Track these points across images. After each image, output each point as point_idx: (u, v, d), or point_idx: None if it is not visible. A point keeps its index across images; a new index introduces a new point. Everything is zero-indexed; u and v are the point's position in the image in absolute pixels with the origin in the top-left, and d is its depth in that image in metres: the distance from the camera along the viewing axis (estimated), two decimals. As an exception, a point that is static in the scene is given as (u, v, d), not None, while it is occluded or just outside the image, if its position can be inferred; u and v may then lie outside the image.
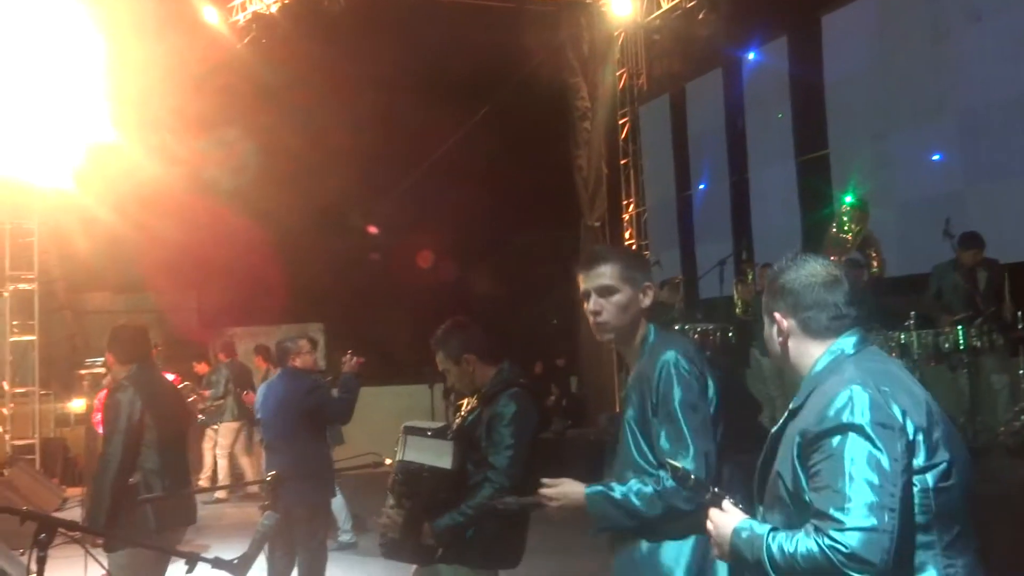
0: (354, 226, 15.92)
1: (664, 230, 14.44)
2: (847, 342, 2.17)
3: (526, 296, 15.52)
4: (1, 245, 12.52)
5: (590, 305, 2.83)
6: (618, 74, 14.84)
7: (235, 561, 2.58)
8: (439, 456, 3.70)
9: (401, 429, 3.89)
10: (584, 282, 2.85)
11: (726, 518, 2.16)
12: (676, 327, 9.02)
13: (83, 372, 12.29)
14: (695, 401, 2.67)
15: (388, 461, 3.88)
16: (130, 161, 11.56)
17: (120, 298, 15.34)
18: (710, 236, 13.15)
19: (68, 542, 2.88)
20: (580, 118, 14.23)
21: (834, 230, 8.72)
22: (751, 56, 12.83)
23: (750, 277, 10.13)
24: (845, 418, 1.97)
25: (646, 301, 2.85)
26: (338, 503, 8.48)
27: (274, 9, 12.38)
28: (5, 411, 12.56)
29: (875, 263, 8.68)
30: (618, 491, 2.69)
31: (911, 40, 10.18)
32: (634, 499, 2.66)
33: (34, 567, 2.50)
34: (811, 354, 2.20)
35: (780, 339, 2.25)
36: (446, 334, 3.94)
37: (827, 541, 1.90)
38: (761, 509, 2.22)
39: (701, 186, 13.79)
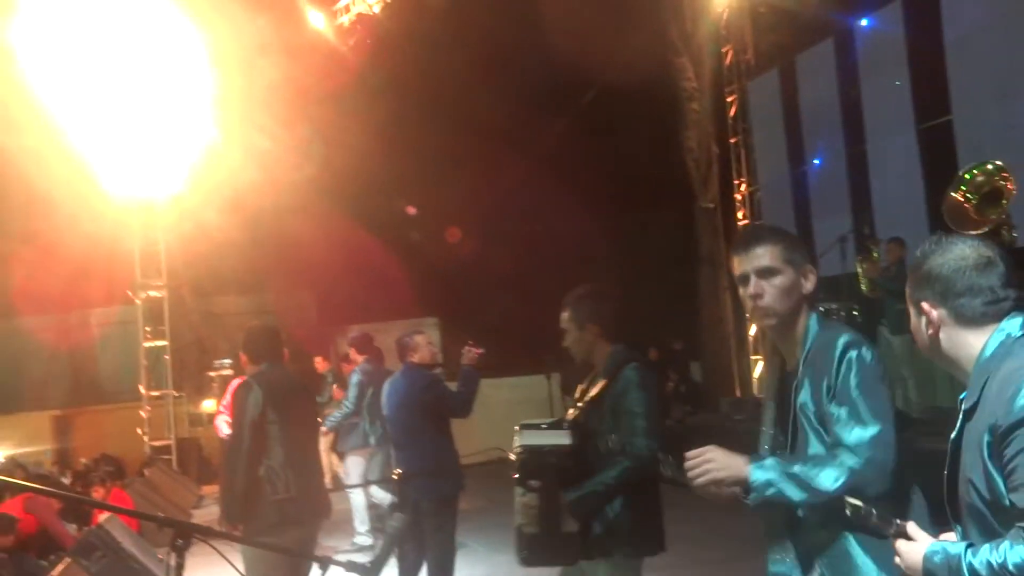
0: (465, 218, 16.04)
1: (778, 208, 14.05)
2: (1012, 324, 1.96)
3: (640, 280, 15.35)
4: (132, 257, 13.10)
5: (750, 288, 2.60)
6: (724, 51, 14.51)
7: (368, 564, 2.58)
8: (558, 437, 3.65)
9: (517, 428, 3.83)
10: (741, 264, 2.63)
11: (914, 546, 1.98)
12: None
13: (212, 374, 12.78)
14: (877, 386, 2.49)
15: (512, 456, 3.85)
16: (245, 168, 11.93)
17: (243, 300, 15.86)
18: (827, 212, 12.72)
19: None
20: (687, 99, 13.99)
21: (953, 194, 7.62)
22: (864, 23, 12.34)
23: (875, 253, 9.73)
24: None
25: (808, 286, 2.63)
26: (358, 503, 8.54)
27: (377, 9, 12.57)
28: (143, 414, 13.14)
29: (1006, 232, 8.08)
30: (797, 466, 2.45)
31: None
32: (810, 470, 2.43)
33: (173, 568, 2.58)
34: (969, 344, 2.00)
35: (930, 331, 2.04)
36: (581, 297, 3.87)
37: None
38: (960, 528, 2.02)
39: (816, 161, 13.35)
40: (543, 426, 3.79)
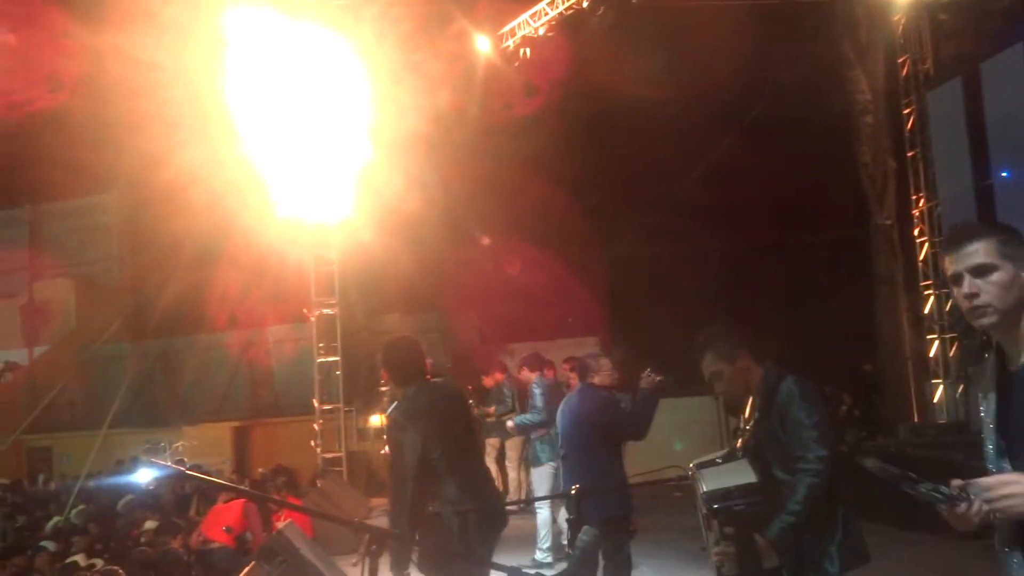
0: (626, 237, 15.95)
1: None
2: None
3: (813, 301, 14.81)
4: (307, 276, 13.69)
5: (964, 288, 2.45)
6: (900, 61, 13.89)
7: None
8: (739, 474, 3.58)
9: (691, 468, 3.77)
10: (953, 264, 2.49)
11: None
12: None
13: (382, 389, 13.17)
14: None
15: (691, 465, 3.78)
16: (411, 191, 12.28)
17: (409, 319, 16.29)
18: (1017, 227, 11.91)
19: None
20: (861, 112, 13.45)
21: None
22: (1058, 25, 11.56)
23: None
24: None
25: None
26: (543, 518, 8.49)
27: (542, 31, 12.73)
28: (315, 427, 13.67)
29: None
30: None
31: None
32: None
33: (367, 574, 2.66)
34: None
35: None
36: (712, 335, 3.78)
37: None
38: None
39: (1004, 174, 12.54)
40: (718, 460, 3.72)
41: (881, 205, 13.48)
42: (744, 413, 3.83)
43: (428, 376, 4.92)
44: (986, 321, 2.45)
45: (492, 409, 11.37)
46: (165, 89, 10.96)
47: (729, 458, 3.70)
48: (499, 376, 11.55)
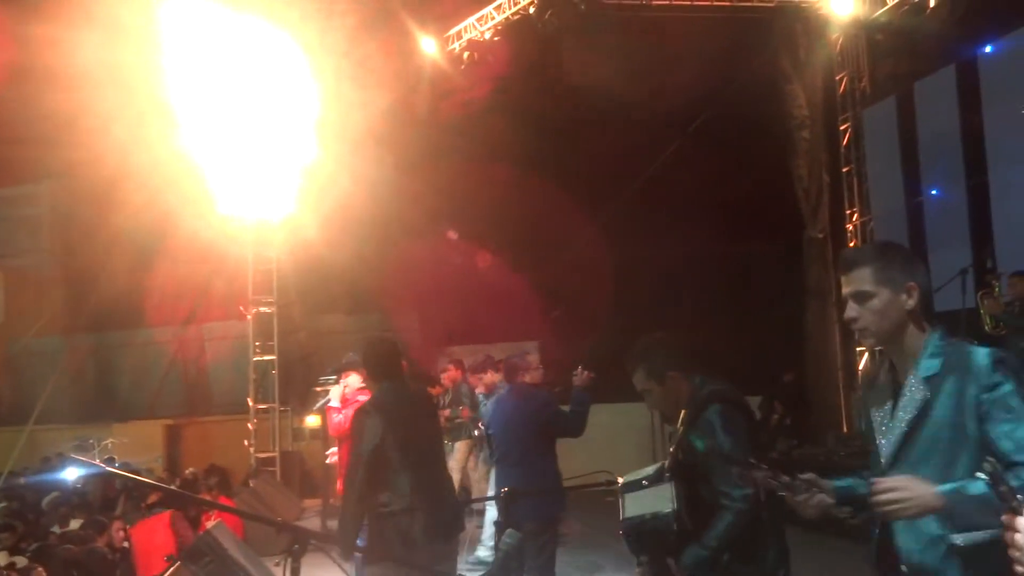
0: (567, 243, 16.04)
1: (892, 239, 13.58)
2: None
3: (746, 311, 15.06)
4: (245, 273, 13.51)
5: (847, 312, 2.69)
6: (838, 78, 14.21)
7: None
8: (660, 501, 3.54)
9: (618, 490, 3.74)
10: (844, 287, 2.72)
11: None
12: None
13: (318, 389, 13.05)
14: None
15: (620, 480, 3.77)
16: (354, 191, 12.20)
17: (350, 319, 16.18)
18: (945, 244, 12.25)
19: (315, 550, 3.02)
20: (798, 127, 13.70)
21: None
22: (988, 49, 11.91)
23: (997, 288, 9.30)
24: None
25: (910, 302, 2.64)
26: (491, 517, 8.51)
27: (488, 35, 12.76)
28: (250, 426, 13.49)
29: None
30: (973, 487, 2.32)
31: None
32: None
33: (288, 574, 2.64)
34: None
35: None
36: (648, 350, 3.70)
37: None
38: None
39: (933, 191, 12.90)
40: (644, 482, 3.65)
41: (815, 218, 13.75)
42: (678, 424, 3.79)
43: (403, 377, 4.99)
44: (866, 343, 2.74)
45: (447, 412, 11.11)
46: (103, 80, 10.73)
47: (657, 479, 3.63)
48: (457, 374, 11.05)
